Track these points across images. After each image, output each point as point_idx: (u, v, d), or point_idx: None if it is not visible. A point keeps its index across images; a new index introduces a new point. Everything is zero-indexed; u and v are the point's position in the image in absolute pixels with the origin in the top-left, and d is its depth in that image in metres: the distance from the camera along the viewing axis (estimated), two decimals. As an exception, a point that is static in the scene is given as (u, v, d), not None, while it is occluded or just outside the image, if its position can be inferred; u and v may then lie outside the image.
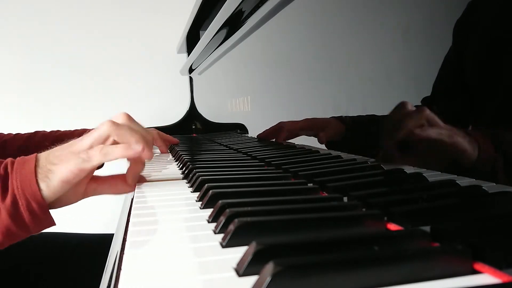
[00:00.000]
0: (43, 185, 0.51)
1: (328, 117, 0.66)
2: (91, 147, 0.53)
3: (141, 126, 0.59)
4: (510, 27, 0.34)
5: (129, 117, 0.59)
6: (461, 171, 0.41)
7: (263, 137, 0.95)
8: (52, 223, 0.54)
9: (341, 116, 0.62)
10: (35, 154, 0.53)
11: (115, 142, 0.54)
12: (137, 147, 0.53)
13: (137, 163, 0.59)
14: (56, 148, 0.55)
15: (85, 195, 0.59)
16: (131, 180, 0.60)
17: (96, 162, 0.52)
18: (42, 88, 1.92)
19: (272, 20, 0.89)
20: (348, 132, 0.61)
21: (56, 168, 0.51)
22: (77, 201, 0.59)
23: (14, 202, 0.50)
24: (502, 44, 0.35)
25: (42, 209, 0.52)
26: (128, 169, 0.59)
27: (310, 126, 0.73)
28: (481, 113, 0.38)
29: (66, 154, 0.52)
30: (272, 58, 0.96)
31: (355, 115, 0.60)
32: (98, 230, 1.10)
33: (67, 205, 0.58)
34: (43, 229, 0.54)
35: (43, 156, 0.53)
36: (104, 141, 0.54)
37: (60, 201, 0.56)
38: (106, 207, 1.61)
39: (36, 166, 0.52)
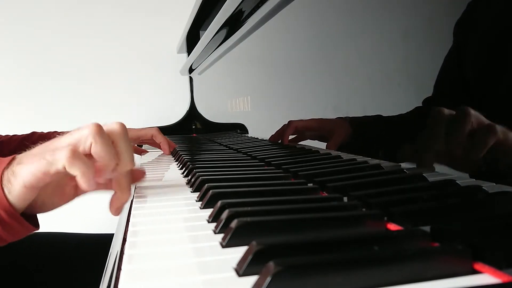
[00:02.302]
0: (6, 191, 0.45)
1: (334, 118, 0.65)
2: (67, 147, 0.45)
3: (130, 146, 0.49)
4: (510, 25, 0.34)
5: (124, 129, 0.49)
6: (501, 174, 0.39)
7: (275, 139, 0.93)
8: (29, 229, 0.48)
9: (351, 117, 0.61)
10: (14, 155, 0.47)
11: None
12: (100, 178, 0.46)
13: (123, 191, 0.49)
14: (37, 146, 0.48)
15: (75, 195, 0.52)
16: (114, 210, 0.50)
17: (60, 166, 0.43)
18: (41, 89, 1.92)
19: (272, 20, 0.89)
20: (358, 134, 0.60)
21: (18, 170, 0.44)
22: (67, 203, 0.52)
23: None
24: (503, 42, 0.35)
25: (13, 217, 0.45)
26: (113, 198, 0.50)
27: (317, 127, 0.72)
28: (483, 112, 0.38)
29: (36, 154, 0.45)
30: (272, 58, 0.96)
31: (357, 115, 0.60)
32: (98, 230, 1.10)
33: (56, 208, 0.51)
34: (22, 237, 0.49)
35: (19, 156, 0.47)
36: (83, 145, 0.45)
37: (45, 205, 0.50)
38: (106, 207, 1.61)
39: (5, 169, 0.45)
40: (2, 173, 0.45)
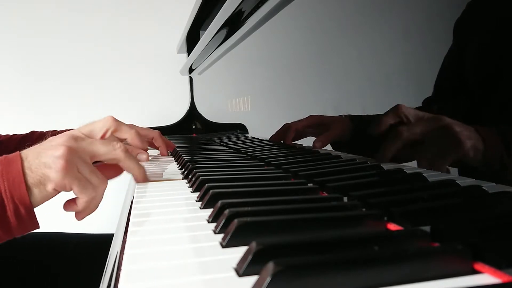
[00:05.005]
0: (36, 191, 0.49)
1: (333, 115, 0.65)
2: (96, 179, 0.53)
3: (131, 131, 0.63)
4: (510, 25, 0.34)
5: (116, 121, 0.62)
6: (469, 170, 0.40)
7: (275, 140, 0.93)
8: (36, 226, 0.52)
9: (349, 115, 0.61)
10: (18, 153, 0.50)
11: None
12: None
13: (91, 203, 0.54)
14: (44, 145, 0.52)
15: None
16: (81, 217, 0.56)
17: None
18: (41, 88, 1.92)
19: (272, 20, 0.89)
20: (355, 132, 0.60)
21: (51, 173, 0.49)
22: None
23: (1, 206, 0.48)
24: (502, 42, 0.35)
25: (29, 213, 0.50)
26: (82, 209, 0.55)
27: (315, 123, 0.72)
28: (483, 112, 0.38)
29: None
30: (272, 58, 0.96)
31: (357, 114, 0.60)
32: (98, 230, 1.10)
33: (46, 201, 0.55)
34: (26, 232, 0.52)
35: (31, 155, 0.50)
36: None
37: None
38: (106, 207, 1.61)
39: (24, 168, 0.49)
40: (25, 173, 0.49)
